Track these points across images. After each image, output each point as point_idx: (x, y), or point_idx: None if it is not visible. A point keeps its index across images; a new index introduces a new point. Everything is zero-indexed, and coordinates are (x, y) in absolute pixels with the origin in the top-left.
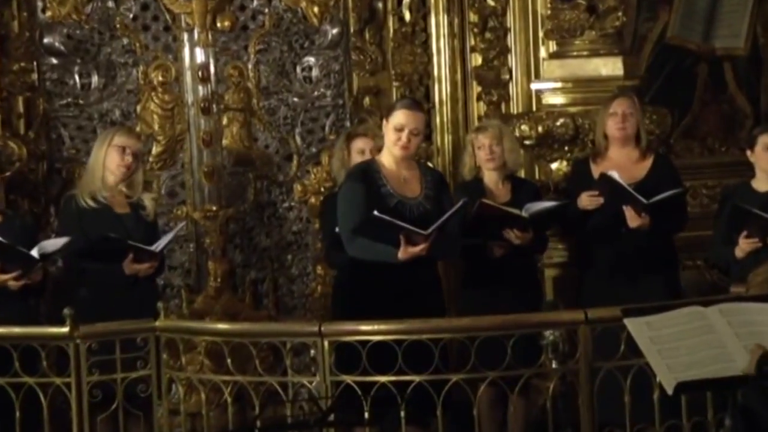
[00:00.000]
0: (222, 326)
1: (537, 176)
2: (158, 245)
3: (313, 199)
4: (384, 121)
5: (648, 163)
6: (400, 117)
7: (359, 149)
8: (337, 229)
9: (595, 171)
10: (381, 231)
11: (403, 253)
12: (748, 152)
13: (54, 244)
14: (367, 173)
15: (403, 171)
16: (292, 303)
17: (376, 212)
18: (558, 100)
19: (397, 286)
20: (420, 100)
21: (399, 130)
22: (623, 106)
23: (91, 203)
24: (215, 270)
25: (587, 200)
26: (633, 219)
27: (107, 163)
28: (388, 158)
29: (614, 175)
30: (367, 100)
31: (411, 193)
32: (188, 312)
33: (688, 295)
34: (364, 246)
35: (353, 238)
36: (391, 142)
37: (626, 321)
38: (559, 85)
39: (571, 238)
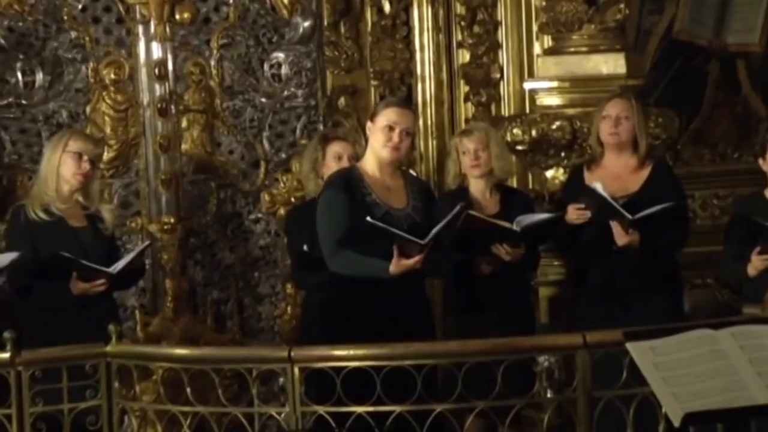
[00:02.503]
0: (181, 351)
1: (531, 185)
2: (116, 267)
3: (282, 210)
4: (369, 123)
5: (645, 172)
6: (390, 114)
7: (336, 154)
8: (305, 247)
9: (588, 180)
10: (370, 242)
11: (396, 265)
12: (760, 160)
13: None
14: (350, 181)
15: (387, 179)
16: (259, 326)
17: (369, 218)
18: (554, 101)
19: (384, 310)
20: None
21: (390, 129)
22: (617, 109)
23: (43, 216)
24: (173, 289)
25: (573, 213)
26: (620, 236)
27: (62, 171)
28: (371, 165)
29: (597, 187)
30: (342, 101)
31: (398, 203)
32: (143, 336)
33: (696, 316)
34: (351, 260)
35: (338, 251)
36: (380, 144)
37: (629, 345)
38: (554, 84)
39: (567, 254)
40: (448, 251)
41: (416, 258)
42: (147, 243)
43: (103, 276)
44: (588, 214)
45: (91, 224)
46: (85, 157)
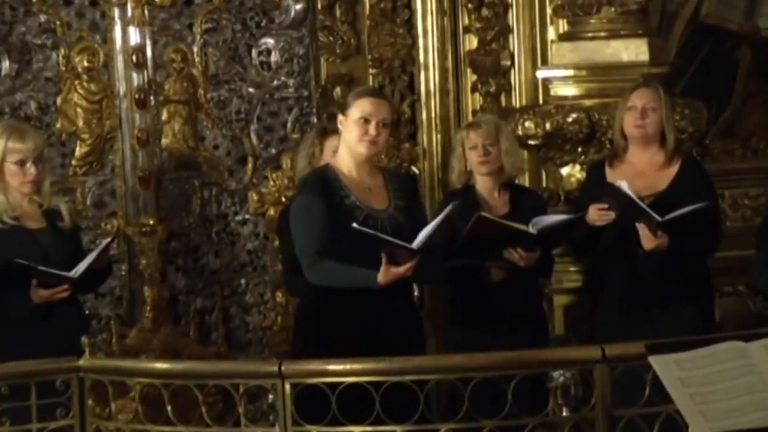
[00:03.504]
0: (161, 365)
1: (544, 184)
2: (77, 270)
3: (272, 211)
4: (341, 117)
5: (674, 169)
6: (365, 105)
7: (334, 149)
8: None
9: (611, 178)
10: (353, 250)
11: (385, 274)
12: None
13: None
14: (326, 183)
15: (365, 178)
16: (247, 337)
17: (354, 224)
18: (569, 91)
19: (371, 319)
20: (404, 92)
21: (365, 121)
22: (644, 99)
23: None
24: (152, 297)
25: (595, 214)
26: (647, 239)
27: (8, 180)
28: (346, 163)
29: (622, 185)
30: (337, 91)
31: (378, 204)
32: (119, 348)
33: (726, 327)
34: (334, 271)
35: (318, 261)
36: (355, 138)
37: (652, 359)
38: (570, 72)
39: (585, 259)
40: (439, 253)
41: (407, 265)
42: (107, 240)
43: (65, 281)
44: (611, 215)
45: (50, 223)
46: (29, 163)
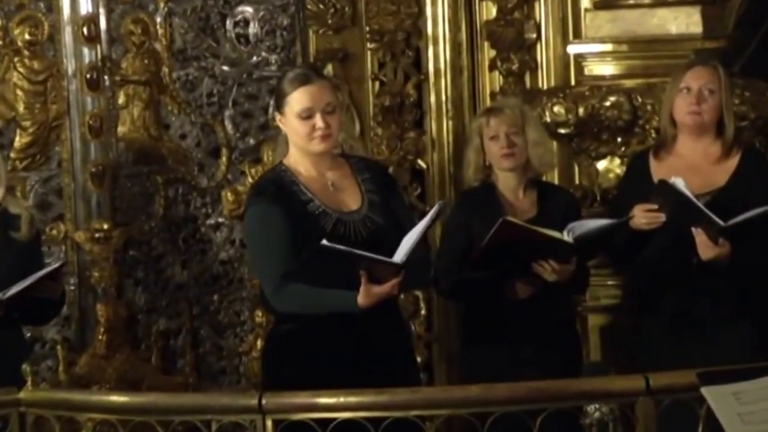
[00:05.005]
0: (117, 398)
1: (577, 180)
2: (7, 292)
3: None
4: (278, 117)
5: (733, 162)
6: (300, 98)
7: None
8: None
9: (656, 173)
10: (324, 267)
11: (366, 296)
12: None
13: None
14: (282, 187)
15: (327, 174)
16: (220, 365)
17: (325, 241)
18: (607, 69)
19: (352, 343)
20: (408, 71)
21: (307, 116)
22: (700, 80)
23: None
24: (107, 317)
25: (642, 217)
26: (705, 247)
27: None
28: (302, 161)
29: (678, 183)
30: (329, 69)
31: (349, 203)
32: (67, 378)
33: None
34: (303, 295)
35: (283, 286)
36: (302, 138)
37: (704, 391)
38: (608, 47)
39: (625, 271)
40: (426, 255)
41: (392, 283)
42: (59, 264)
43: None
44: (661, 217)
45: (1, 231)
46: None
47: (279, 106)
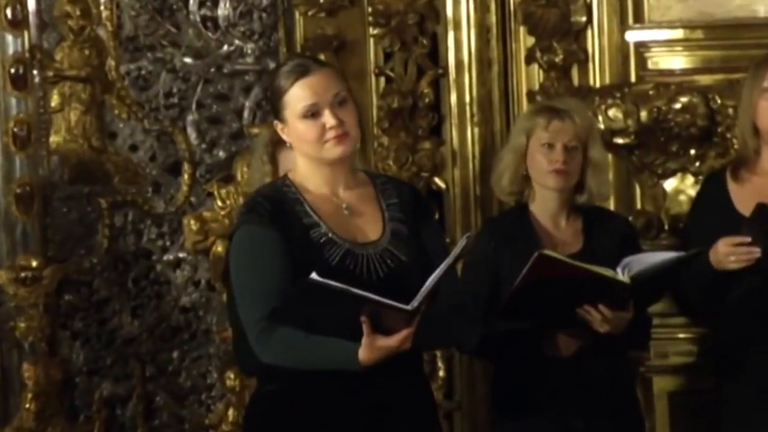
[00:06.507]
0: None
1: (638, 204)
2: None
3: (219, 247)
4: (276, 125)
5: None
6: (301, 94)
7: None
8: None
9: (736, 197)
10: (323, 310)
11: (369, 350)
12: None
13: None
14: (281, 206)
15: (342, 193)
16: None
17: (314, 275)
18: (677, 62)
19: (362, 412)
20: (422, 63)
21: (312, 114)
22: None
23: None
24: (36, 379)
25: (730, 253)
26: None
27: None
28: (311, 176)
29: None
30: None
31: (365, 233)
32: None
33: None
34: (293, 344)
35: (269, 330)
36: (312, 144)
37: None
38: (679, 34)
39: (701, 322)
40: (455, 304)
41: (402, 334)
42: None
43: None
44: (756, 253)
45: None
46: None
47: (277, 111)
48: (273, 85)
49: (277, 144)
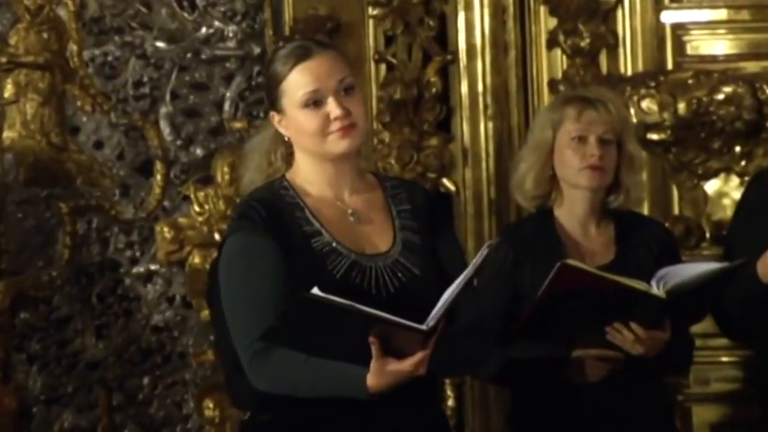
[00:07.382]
0: None
1: (676, 210)
2: None
3: (197, 258)
4: (273, 116)
5: None
6: (300, 80)
7: None
8: None
9: None
10: (327, 331)
11: (379, 376)
12: None
13: None
14: (278, 211)
15: (348, 198)
16: None
17: (316, 290)
18: (720, 47)
19: None
20: (429, 48)
21: (314, 102)
22: None
23: None
24: None
25: None
26: None
27: None
28: (312, 177)
29: None
30: None
31: (374, 243)
32: None
33: None
34: (291, 368)
35: (264, 352)
36: (314, 137)
37: None
38: (722, 14)
39: (747, 344)
40: (483, 321)
41: (416, 358)
42: None
43: None
44: None
45: None
46: None
47: (273, 101)
48: (269, 70)
49: None
